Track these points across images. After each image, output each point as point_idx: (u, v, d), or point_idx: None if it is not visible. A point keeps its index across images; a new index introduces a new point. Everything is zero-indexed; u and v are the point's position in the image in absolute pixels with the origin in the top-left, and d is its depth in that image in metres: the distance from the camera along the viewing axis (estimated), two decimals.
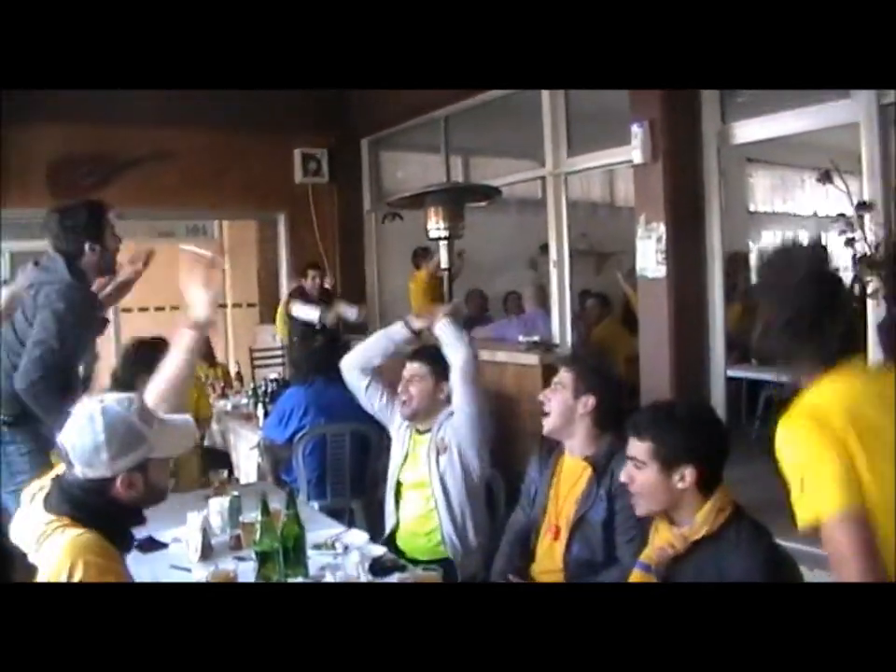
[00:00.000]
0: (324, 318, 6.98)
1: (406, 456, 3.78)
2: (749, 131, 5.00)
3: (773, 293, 1.96)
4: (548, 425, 3.17)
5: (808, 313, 1.90)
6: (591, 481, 3.01)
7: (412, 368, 3.79)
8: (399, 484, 3.77)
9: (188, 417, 2.53)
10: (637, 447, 2.39)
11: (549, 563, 3.08)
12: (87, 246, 3.59)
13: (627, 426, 2.57)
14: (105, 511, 2.25)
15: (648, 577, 2.38)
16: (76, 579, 2.01)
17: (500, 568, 3.19)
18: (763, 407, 7.17)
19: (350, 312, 7.29)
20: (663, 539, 2.35)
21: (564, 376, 3.17)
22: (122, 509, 2.30)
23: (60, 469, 2.31)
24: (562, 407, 3.12)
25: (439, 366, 3.73)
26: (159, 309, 8.96)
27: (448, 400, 3.70)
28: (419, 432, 3.78)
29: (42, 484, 2.34)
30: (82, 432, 2.22)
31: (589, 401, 3.09)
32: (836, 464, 1.74)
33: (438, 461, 3.65)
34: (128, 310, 8.17)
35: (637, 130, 4.97)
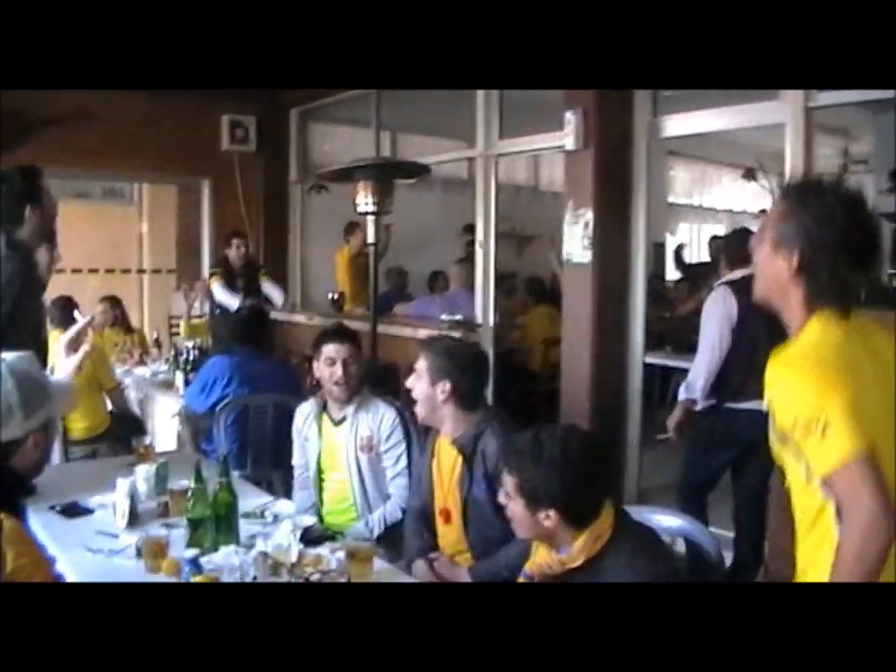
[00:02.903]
0: (243, 306, 6.88)
1: (321, 446, 3.68)
2: (678, 125, 5.13)
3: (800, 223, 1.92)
4: (419, 414, 3.16)
5: (827, 247, 1.88)
6: (462, 465, 3.03)
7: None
8: (319, 470, 3.71)
9: (68, 379, 2.64)
10: (507, 479, 2.33)
11: (452, 545, 3.12)
12: (27, 211, 3.50)
13: (501, 455, 2.64)
14: (2, 483, 2.15)
15: None
16: (5, 573, 1.85)
17: (414, 548, 3.18)
18: (673, 394, 7.37)
19: (276, 295, 7.26)
20: (542, 559, 2.33)
21: (420, 364, 3.13)
22: (17, 479, 2.23)
23: None
24: (423, 395, 3.10)
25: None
26: (76, 271, 8.73)
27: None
28: (333, 423, 3.67)
29: None
30: None
31: (445, 387, 3.05)
32: (848, 405, 1.75)
33: (357, 456, 3.57)
34: None
35: (570, 117, 5.05)
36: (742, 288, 4.09)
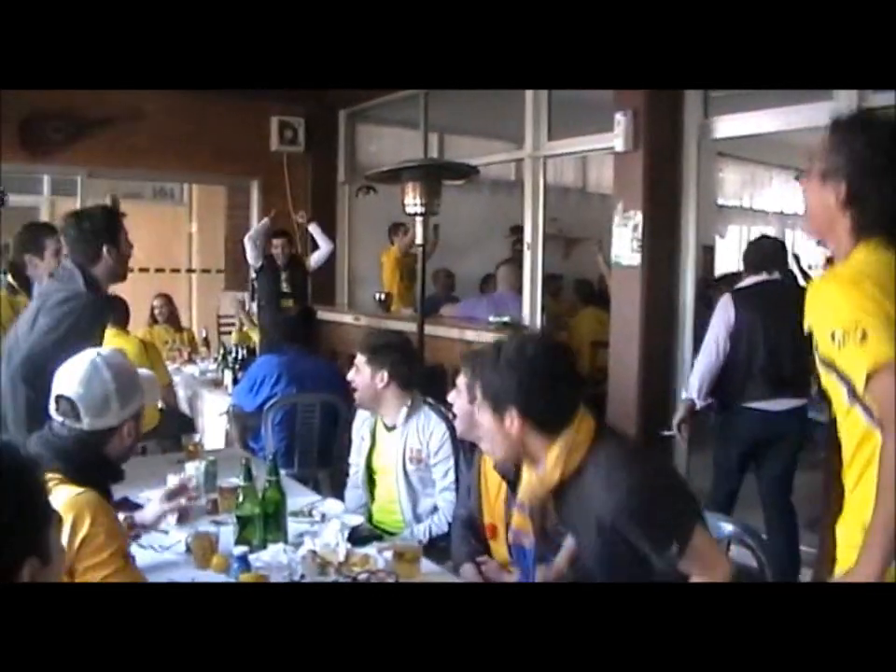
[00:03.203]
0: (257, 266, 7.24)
1: (372, 447, 3.71)
2: (729, 126, 5.08)
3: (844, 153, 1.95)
4: (458, 429, 3.08)
5: (877, 175, 1.92)
6: (507, 487, 2.96)
7: (356, 358, 3.72)
8: (370, 469, 3.73)
9: (150, 372, 2.83)
10: (475, 386, 2.35)
11: (501, 559, 3.08)
12: (104, 250, 3.55)
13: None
14: (94, 467, 2.33)
15: (523, 516, 2.39)
16: (80, 535, 2.05)
17: (463, 553, 3.13)
18: None
19: (323, 241, 7.52)
20: (525, 482, 2.31)
21: (460, 380, 3.00)
22: (109, 464, 2.41)
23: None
24: (463, 411, 2.95)
25: (374, 356, 3.65)
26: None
27: (390, 389, 3.59)
28: (386, 428, 3.68)
29: None
30: (90, 383, 2.31)
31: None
32: (888, 316, 1.77)
33: (405, 465, 3.56)
34: None
35: (620, 118, 5.02)
36: (747, 297, 4.50)
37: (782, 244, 4.98)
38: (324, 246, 7.50)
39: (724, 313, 4.47)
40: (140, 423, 2.52)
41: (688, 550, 2.09)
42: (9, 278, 4.56)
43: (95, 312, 3.56)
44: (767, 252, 4.68)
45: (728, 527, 2.77)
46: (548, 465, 2.17)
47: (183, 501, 2.96)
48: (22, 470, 1.30)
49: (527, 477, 2.29)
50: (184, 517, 3.15)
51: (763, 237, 5.22)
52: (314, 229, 7.56)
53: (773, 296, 4.46)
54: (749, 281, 4.58)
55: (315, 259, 7.55)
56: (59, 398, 2.36)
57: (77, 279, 3.51)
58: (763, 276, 4.56)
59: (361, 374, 3.59)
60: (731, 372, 4.45)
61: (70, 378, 2.35)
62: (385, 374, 3.52)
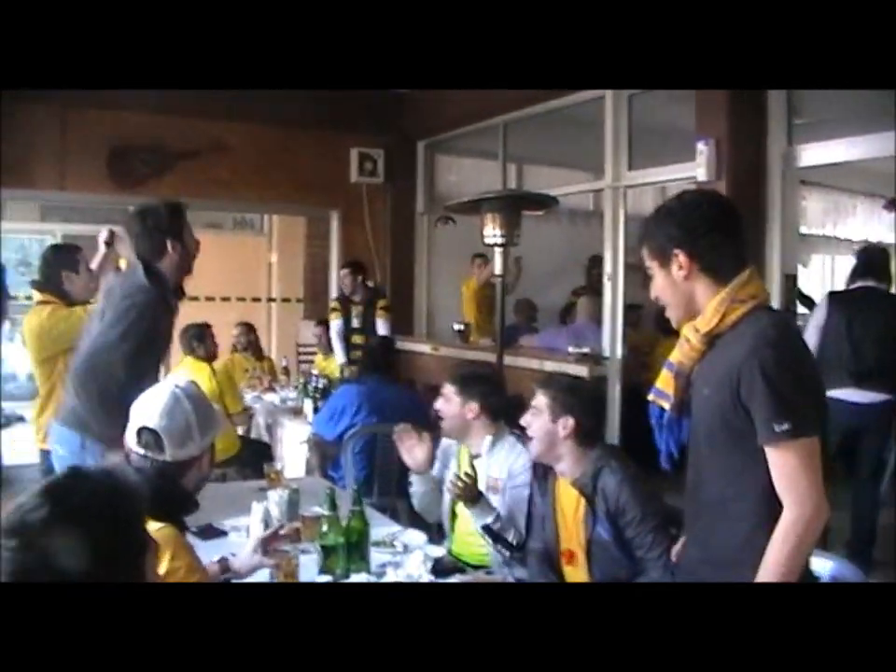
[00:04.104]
0: (344, 364, 7.17)
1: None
2: (814, 154, 5.00)
3: None
4: (533, 450, 3.14)
5: None
6: (586, 505, 2.98)
7: (444, 387, 3.73)
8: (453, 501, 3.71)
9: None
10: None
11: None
12: (168, 245, 3.60)
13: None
14: (173, 499, 2.34)
15: (669, 374, 2.35)
16: (161, 571, 2.05)
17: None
18: None
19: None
20: (684, 336, 2.28)
21: (539, 400, 3.12)
22: (186, 496, 2.42)
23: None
24: (543, 431, 3.07)
25: (465, 386, 3.65)
26: (209, 299, 9.02)
27: (480, 420, 3.60)
28: (470, 457, 3.67)
29: None
30: (173, 414, 2.34)
31: (568, 422, 3.03)
32: None
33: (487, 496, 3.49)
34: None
35: (702, 147, 4.97)
36: (842, 299, 5.20)
37: (888, 254, 5.43)
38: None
39: (818, 311, 5.16)
40: (213, 453, 2.57)
41: (791, 445, 2.00)
42: (43, 295, 4.65)
43: (159, 306, 3.55)
44: (872, 261, 5.20)
45: (827, 565, 2.54)
46: (708, 311, 2.15)
47: (280, 565, 2.79)
48: (124, 497, 1.32)
49: (685, 332, 2.26)
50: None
51: (871, 246, 5.66)
52: (379, 322, 7.35)
53: (867, 300, 5.03)
54: (852, 286, 5.19)
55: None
56: (141, 430, 2.39)
57: (141, 274, 3.53)
58: (865, 283, 5.07)
59: (450, 404, 3.60)
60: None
61: (152, 410, 2.39)
62: (476, 405, 3.54)
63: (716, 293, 2.15)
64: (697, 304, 2.19)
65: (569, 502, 3.07)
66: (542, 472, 3.22)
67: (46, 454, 4.36)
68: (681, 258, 2.17)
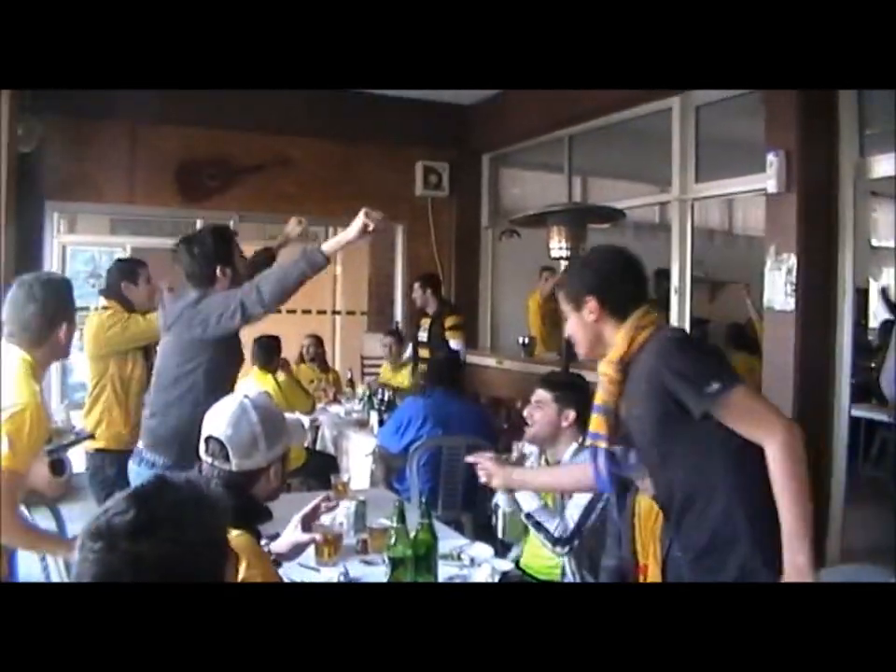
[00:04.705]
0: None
1: None
2: (887, 165, 4.89)
3: None
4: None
5: None
6: (663, 520, 2.92)
7: (538, 393, 3.73)
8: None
9: (297, 415, 2.82)
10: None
11: None
12: (218, 271, 3.64)
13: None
14: (244, 508, 2.36)
15: (599, 417, 2.59)
16: (237, 579, 2.05)
17: None
18: (878, 448, 6.99)
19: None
20: (602, 372, 2.56)
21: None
22: (257, 505, 2.45)
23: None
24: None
25: (563, 393, 3.65)
26: (276, 311, 9.01)
27: (572, 428, 3.62)
28: (549, 464, 3.69)
29: None
30: (238, 425, 2.36)
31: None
32: None
33: (564, 503, 3.54)
34: None
35: (772, 159, 4.90)
36: None
37: None
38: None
39: None
40: (286, 465, 2.58)
41: (731, 396, 2.27)
42: (106, 301, 4.79)
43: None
44: None
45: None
46: (618, 340, 2.48)
47: (318, 537, 2.87)
48: (209, 506, 1.34)
49: (602, 369, 2.54)
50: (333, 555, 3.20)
51: None
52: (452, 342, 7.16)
53: None
54: None
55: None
56: (209, 439, 2.43)
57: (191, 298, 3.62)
58: None
59: (544, 410, 3.59)
60: None
61: (219, 420, 2.42)
62: (573, 413, 3.55)
63: (620, 330, 2.50)
64: (603, 342, 2.55)
65: (649, 512, 3.01)
66: (622, 488, 3.20)
67: (91, 456, 4.51)
68: (591, 303, 2.52)
